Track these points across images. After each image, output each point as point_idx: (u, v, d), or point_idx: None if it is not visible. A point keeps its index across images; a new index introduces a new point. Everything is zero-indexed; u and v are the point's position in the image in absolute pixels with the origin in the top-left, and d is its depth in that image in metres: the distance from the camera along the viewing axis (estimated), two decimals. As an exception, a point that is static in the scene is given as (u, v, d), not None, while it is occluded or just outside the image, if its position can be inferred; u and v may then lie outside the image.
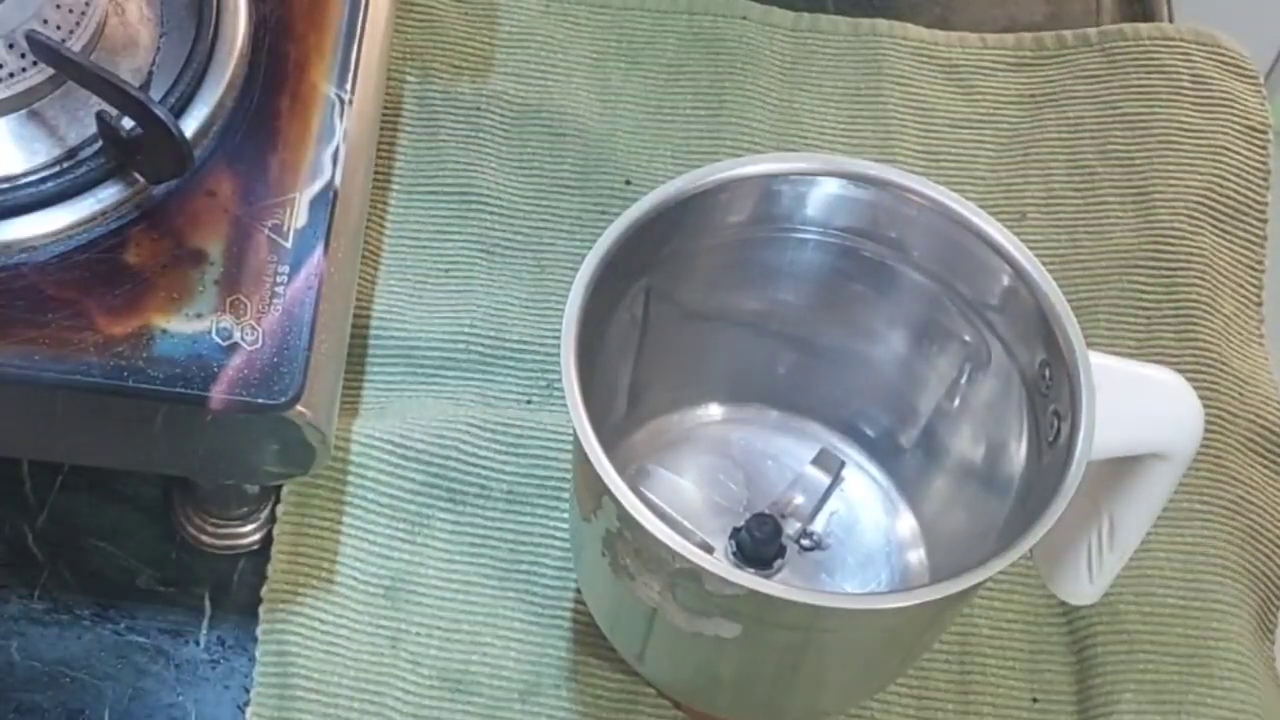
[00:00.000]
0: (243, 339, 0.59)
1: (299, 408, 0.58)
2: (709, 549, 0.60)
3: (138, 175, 0.61)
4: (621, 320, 0.61)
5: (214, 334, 0.59)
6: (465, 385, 0.72)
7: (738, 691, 0.60)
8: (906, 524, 0.66)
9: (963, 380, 0.62)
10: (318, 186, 0.62)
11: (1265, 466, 0.72)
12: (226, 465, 0.61)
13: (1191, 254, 0.76)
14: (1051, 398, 0.56)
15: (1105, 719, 0.66)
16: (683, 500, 0.62)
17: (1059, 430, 0.56)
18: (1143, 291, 0.76)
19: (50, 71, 0.62)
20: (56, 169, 0.61)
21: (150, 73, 0.64)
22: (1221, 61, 0.82)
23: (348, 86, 0.65)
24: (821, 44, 0.83)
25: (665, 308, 0.63)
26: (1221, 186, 0.79)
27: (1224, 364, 0.74)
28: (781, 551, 0.62)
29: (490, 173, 0.77)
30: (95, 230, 0.60)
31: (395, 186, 0.77)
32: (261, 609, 0.66)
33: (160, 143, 0.59)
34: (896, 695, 0.66)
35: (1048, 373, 0.57)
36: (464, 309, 0.73)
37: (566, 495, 0.69)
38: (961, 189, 0.71)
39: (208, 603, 0.67)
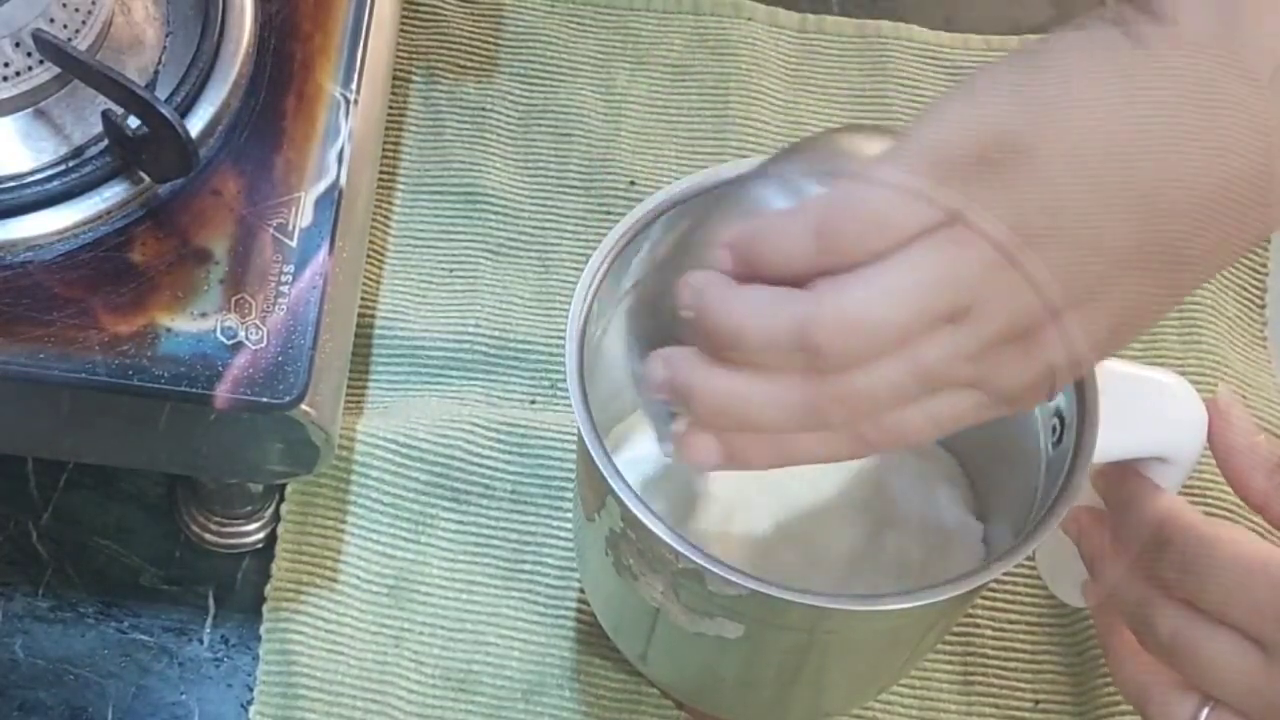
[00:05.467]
0: (247, 338, 0.59)
1: (303, 407, 0.58)
2: None
3: (143, 174, 0.61)
4: (625, 320, 0.61)
5: (219, 333, 0.59)
6: (469, 385, 0.72)
7: (740, 692, 0.60)
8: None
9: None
10: (323, 186, 0.62)
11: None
12: (231, 464, 0.61)
13: (1195, 257, 0.76)
14: (1054, 401, 0.56)
15: (1107, 721, 0.66)
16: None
17: (1061, 433, 0.56)
18: (1146, 294, 0.75)
19: (56, 70, 0.62)
20: (62, 167, 0.61)
21: (156, 72, 0.64)
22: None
23: (353, 86, 0.65)
24: (826, 45, 0.83)
25: (669, 308, 0.63)
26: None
27: (1227, 366, 0.74)
28: None
29: (495, 173, 0.77)
30: (100, 229, 0.60)
31: (400, 186, 0.77)
32: (265, 608, 0.66)
33: (166, 142, 0.59)
34: (899, 696, 0.66)
35: (1051, 375, 0.57)
36: (469, 309, 0.74)
37: (570, 495, 0.69)
38: (966, 191, 0.71)
39: (211, 601, 0.67)
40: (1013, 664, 0.67)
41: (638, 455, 0.62)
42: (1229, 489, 0.70)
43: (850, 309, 0.45)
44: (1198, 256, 0.48)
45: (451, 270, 0.75)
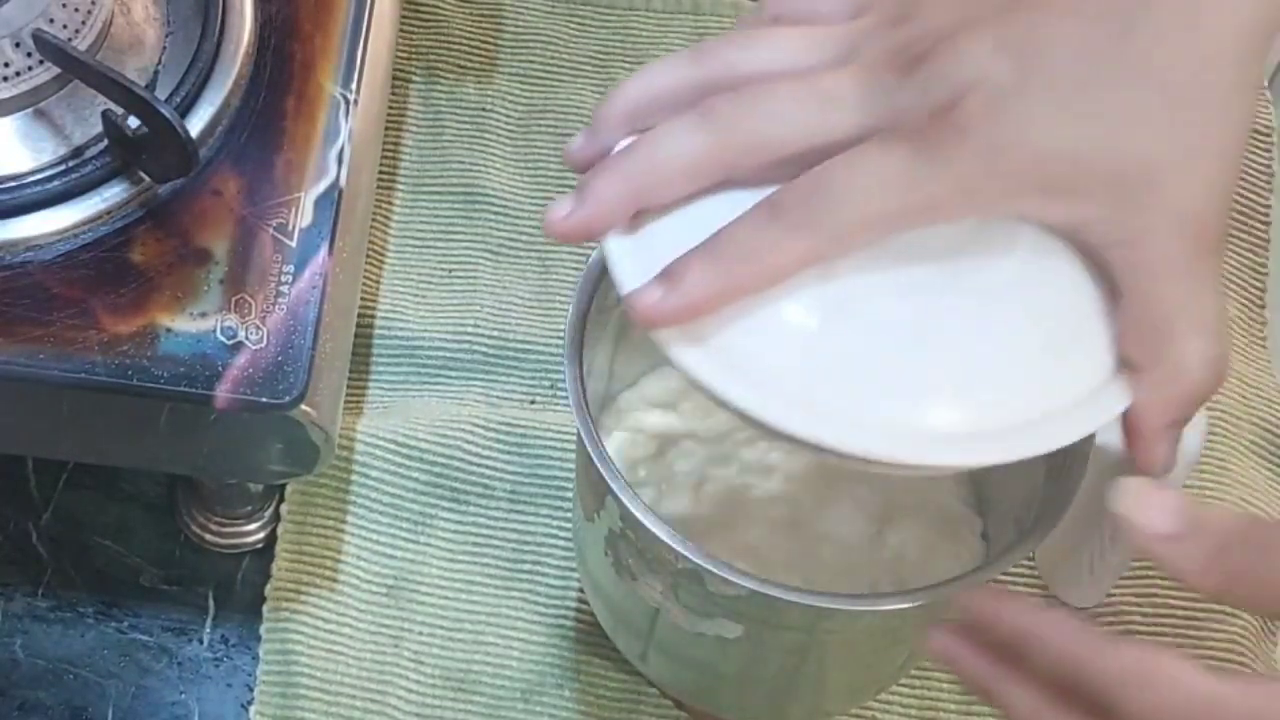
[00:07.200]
0: (247, 338, 0.59)
1: (303, 407, 0.58)
2: None
3: (143, 174, 0.61)
4: (625, 320, 0.61)
5: (219, 333, 0.59)
6: (469, 385, 0.72)
7: (740, 692, 0.60)
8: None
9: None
10: (323, 186, 0.62)
11: (1268, 469, 0.72)
12: (230, 464, 0.61)
13: (1195, 257, 0.76)
14: None
15: None
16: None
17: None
18: (1146, 294, 0.75)
19: (56, 70, 0.62)
20: (62, 167, 0.61)
21: (156, 72, 0.64)
22: (1226, 64, 0.82)
23: (353, 86, 0.65)
24: (826, 45, 0.83)
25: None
26: (1225, 190, 0.79)
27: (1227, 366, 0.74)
28: None
29: (495, 173, 0.77)
30: (100, 229, 0.60)
31: (400, 186, 0.77)
32: (265, 607, 0.66)
33: (165, 142, 0.59)
34: (899, 695, 0.66)
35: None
36: (468, 309, 0.74)
37: (570, 495, 0.69)
38: (965, 191, 0.71)
39: (211, 601, 0.67)
40: (1012, 664, 0.67)
41: (629, 434, 0.62)
42: (1230, 488, 0.70)
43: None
44: None
45: (451, 270, 0.75)
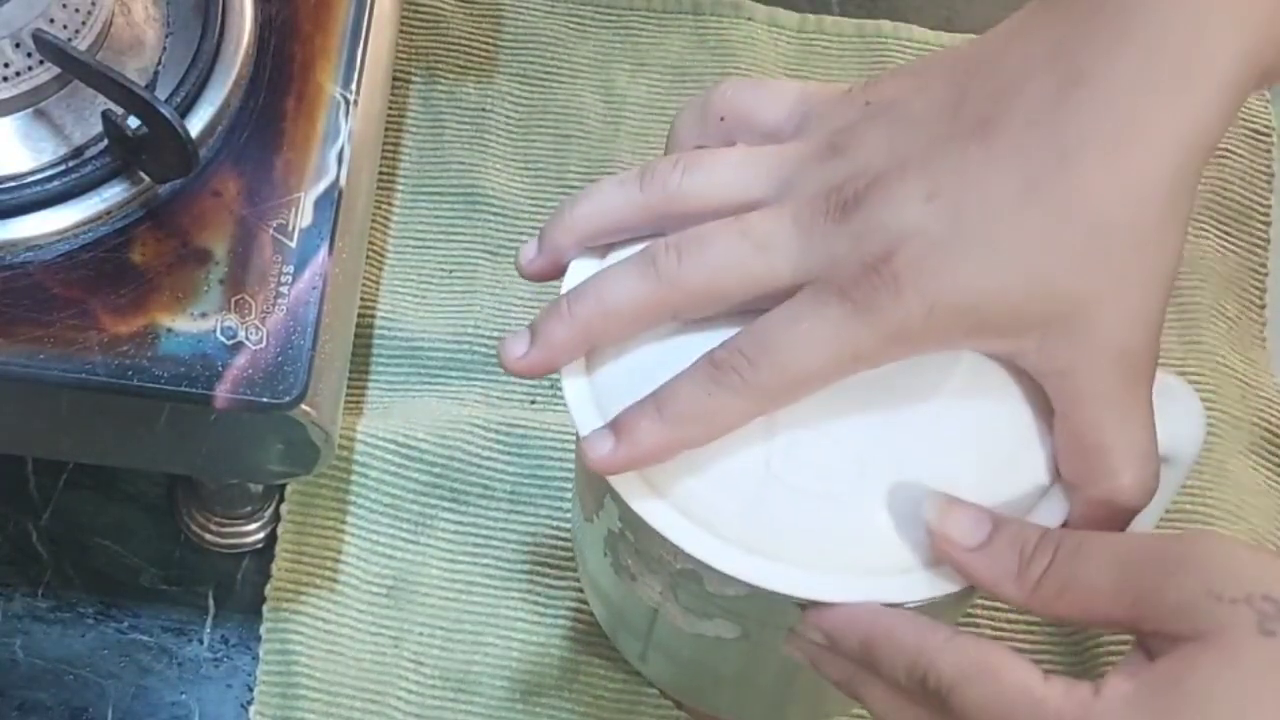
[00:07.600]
0: (247, 338, 0.59)
1: (303, 407, 0.58)
2: None
3: (143, 174, 0.61)
4: None
5: (219, 333, 0.59)
6: (469, 385, 0.72)
7: (740, 692, 0.60)
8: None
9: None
10: (323, 186, 0.62)
11: (1268, 470, 0.72)
12: (230, 464, 0.62)
13: (1195, 257, 0.76)
14: None
15: None
16: None
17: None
18: (1146, 294, 0.75)
19: (56, 70, 0.62)
20: (62, 168, 0.61)
21: (156, 72, 0.64)
22: (1226, 65, 0.82)
23: (353, 87, 0.65)
24: (826, 45, 0.83)
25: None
26: (1225, 190, 0.79)
27: (1227, 367, 0.74)
28: None
29: (495, 174, 0.77)
30: (100, 229, 0.60)
31: (400, 187, 0.77)
32: (265, 608, 0.66)
33: (166, 142, 0.59)
34: (898, 697, 0.66)
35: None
36: (468, 309, 0.74)
37: (569, 496, 0.69)
38: (965, 191, 0.71)
39: (211, 601, 0.67)
40: (1012, 664, 0.67)
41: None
42: (1230, 489, 0.70)
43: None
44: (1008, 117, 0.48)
45: (451, 271, 0.75)
